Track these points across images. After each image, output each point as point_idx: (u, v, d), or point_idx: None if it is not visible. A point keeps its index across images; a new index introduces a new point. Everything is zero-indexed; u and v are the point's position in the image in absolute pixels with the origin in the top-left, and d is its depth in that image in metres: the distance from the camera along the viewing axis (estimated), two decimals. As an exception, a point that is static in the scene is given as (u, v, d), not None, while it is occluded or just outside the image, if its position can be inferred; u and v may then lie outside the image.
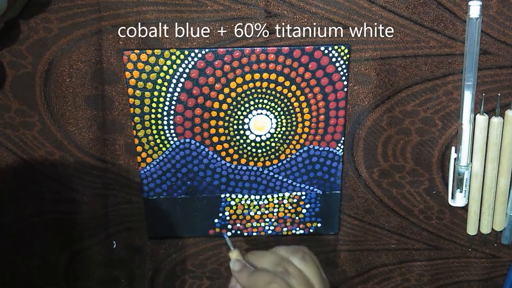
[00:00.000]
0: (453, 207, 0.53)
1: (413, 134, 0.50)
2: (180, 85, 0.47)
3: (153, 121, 0.48)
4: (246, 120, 0.49)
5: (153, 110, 0.48)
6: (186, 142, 0.49)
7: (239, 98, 0.48)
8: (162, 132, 0.49)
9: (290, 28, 0.46)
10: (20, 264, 0.55)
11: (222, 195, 0.52)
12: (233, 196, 0.52)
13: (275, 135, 0.50)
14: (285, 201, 0.52)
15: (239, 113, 0.49)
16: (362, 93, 0.49)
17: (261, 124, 0.49)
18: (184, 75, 0.47)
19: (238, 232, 0.54)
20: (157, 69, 0.47)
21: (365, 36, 0.47)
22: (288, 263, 0.43)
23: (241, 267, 0.43)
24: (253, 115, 0.49)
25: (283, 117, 0.49)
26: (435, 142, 0.51)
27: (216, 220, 0.53)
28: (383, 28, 0.46)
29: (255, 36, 0.47)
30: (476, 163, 0.49)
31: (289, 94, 0.48)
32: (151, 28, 0.46)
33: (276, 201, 0.52)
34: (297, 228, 0.54)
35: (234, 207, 0.53)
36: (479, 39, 0.46)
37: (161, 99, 0.48)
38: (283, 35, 0.47)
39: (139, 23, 0.46)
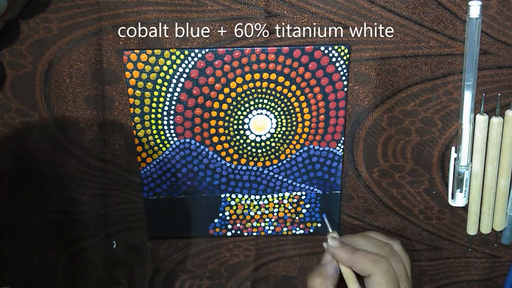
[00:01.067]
0: (453, 207, 0.53)
1: (413, 134, 0.50)
2: (180, 85, 0.47)
3: (153, 121, 0.48)
4: (246, 120, 0.49)
5: (153, 110, 0.48)
6: (186, 142, 0.49)
7: (239, 98, 0.48)
8: (162, 132, 0.49)
9: (290, 28, 0.46)
10: (20, 264, 0.55)
11: (222, 195, 0.52)
12: (233, 196, 0.52)
13: (275, 135, 0.50)
14: (285, 201, 0.52)
15: (239, 113, 0.49)
16: (362, 93, 0.49)
17: (261, 124, 0.49)
18: (184, 75, 0.47)
19: (238, 232, 0.54)
20: (157, 69, 0.47)
21: (365, 36, 0.47)
22: (391, 248, 0.43)
23: (340, 244, 0.43)
24: (253, 115, 0.49)
25: (283, 117, 0.49)
26: (435, 142, 0.51)
27: (216, 220, 0.53)
28: (383, 28, 0.46)
29: (255, 36, 0.47)
30: (476, 163, 0.49)
31: (289, 94, 0.48)
32: (151, 28, 0.46)
33: (276, 201, 0.52)
34: (297, 228, 0.54)
35: (234, 207, 0.53)
36: (479, 39, 0.46)
37: (161, 99, 0.48)
38: (283, 35, 0.47)
39: (139, 23, 0.46)
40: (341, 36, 0.47)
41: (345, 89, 0.48)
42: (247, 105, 0.48)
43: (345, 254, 0.42)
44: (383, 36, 0.47)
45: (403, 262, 0.43)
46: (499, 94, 0.48)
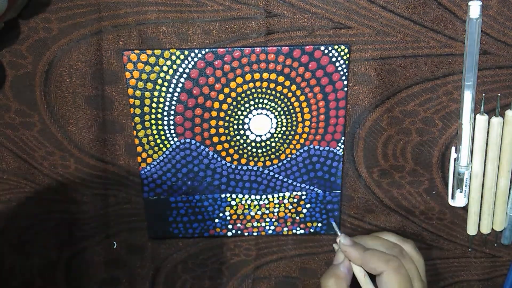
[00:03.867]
0: (453, 207, 0.53)
1: (413, 134, 0.50)
2: (180, 85, 0.47)
3: (153, 121, 0.48)
4: (246, 120, 0.49)
5: (153, 110, 0.48)
6: (186, 142, 0.49)
7: (239, 98, 0.48)
8: (162, 132, 0.49)
9: (290, 28, 0.46)
10: (20, 264, 0.55)
11: (223, 195, 0.52)
12: (234, 196, 0.52)
13: (275, 135, 0.50)
14: (285, 201, 0.52)
15: (239, 113, 0.49)
16: (362, 93, 0.49)
17: (261, 124, 0.49)
18: (184, 75, 0.47)
19: (239, 232, 0.54)
20: (157, 69, 0.47)
21: (365, 36, 0.47)
22: (401, 249, 0.43)
23: (352, 243, 0.43)
24: (253, 115, 0.49)
25: (283, 117, 0.49)
26: (435, 142, 0.51)
27: (216, 220, 0.53)
28: (383, 28, 0.46)
29: (255, 36, 0.47)
30: (476, 163, 0.49)
31: (289, 94, 0.48)
32: (151, 28, 0.46)
33: (276, 201, 0.52)
34: (298, 228, 0.54)
35: (235, 207, 0.53)
36: (479, 39, 0.46)
37: (161, 99, 0.48)
38: (283, 35, 0.47)
39: (139, 23, 0.46)
40: (341, 36, 0.47)
41: (345, 89, 0.48)
42: (247, 105, 0.48)
43: (357, 252, 0.43)
44: (383, 36, 0.47)
45: (415, 263, 0.43)
46: (499, 94, 0.48)
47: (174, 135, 0.49)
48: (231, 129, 0.49)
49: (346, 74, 0.47)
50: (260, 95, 0.48)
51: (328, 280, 0.43)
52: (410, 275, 0.42)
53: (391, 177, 0.52)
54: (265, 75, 0.47)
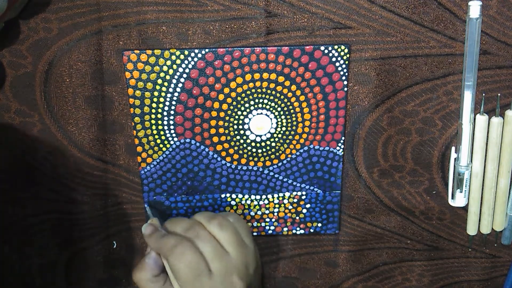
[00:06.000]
0: (453, 207, 0.53)
1: (413, 134, 0.50)
2: (180, 85, 0.47)
3: (153, 121, 0.48)
4: (246, 120, 0.49)
5: (153, 110, 0.48)
6: (186, 142, 0.49)
7: (239, 98, 0.48)
8: (162, 132, 0.49)
9: (290, 28, 0.46)
10: (20, 264, 0.55)
11: (223, 195, 0.52)
12: (234, 196, 0.52)
13: (275, 135, 0.50)
14: (285, 201, 0.52)
15: (239, 113, 0.49)
16: (362, 93, 0.49)
17: (261, 124, 0.49)
18: (184, 75, 0.47)
19: (238, 232, 0.54)
20: (157, 69, 0.47)
21: (365, 36, 0.47)
22: (201, 227, 0.42)
23: (152, 231, 0.43)
24: (253, 115, 0.49)
25: (283, 117, 0.49)
26: (435, 142, 0.51)
27: (216, 220, 0.53)
28: (383, 28, 0.46)
29: (255, 36, 0.47)
30: (476, 163, 0.49)
31: (289, 94, 0.48)
32: (151, 28, 0.46)
33: (276, 201, 0.52)
34: (298, 228, 0.54)
35: (235, 207, 0.53)
36: (479, 39, 0.46)
37: (161, 99, 0.48)
38: (283, 35, 0.47)
39: (139, 23, 0.46)
40: (341, 36, 0.47)
41: (345, 89, 0.48)
42: (247, 105, 0.48)
43: (153, 240, 0.42)
44: (383, 36, 0.47)
45: (217, 239, 0.41)
46: (499, 94, 0.48)
47: (174, 135, 0.49)
48: (231, 129, 0.49)
49: (346, 74, 0.47)
50: (260, 95, 0.48)
51: (134, 275, 0.42)
52: (209, 255, 0.40)
53: (391, 177, 0.52)
54: (265, 75, 0.47)
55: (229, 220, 0.44)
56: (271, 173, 0.51)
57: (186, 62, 0.46)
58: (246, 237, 0.44)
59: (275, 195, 0.52)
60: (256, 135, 0.49)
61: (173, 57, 0.46)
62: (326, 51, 0.46)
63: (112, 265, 0.56)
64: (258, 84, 0.47)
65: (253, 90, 0.48)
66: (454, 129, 0.50)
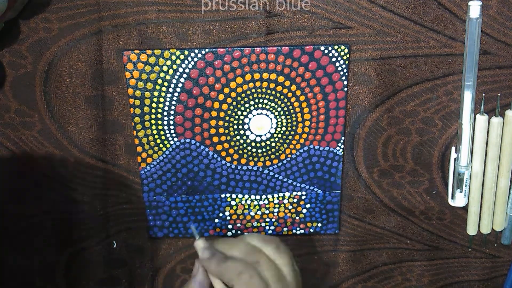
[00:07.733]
0: (453, 207, 0.53)
1: (413, 134, 0.50)
2: (180, 85, 0.47)
3: (153, 121, 0.48)
4: (246, 120, 0.49)
5: (153, 110, 0.48)
6: (186, 142, 0.49)
7: (239, 98, 0.48)
8: (162, 132, 0.49)
9: (290, 28, 0.46)
10: (20, 264, 0.55)
11: (223, 195, 0.52)
12: (234, 196, 0.52)
13: (275, 135, 0.50)
14: (285, 201, 0.52)
15: (239, 113, 0.49)
16: (362, 93, 0.49)
17: (261, 124, 0.49)
18: (184, 75, 0.47)
19: (239, 232, 0.54)
20: (157, 69, 0.47)
21: (365, 36, 0.47)
22: (260, 252, 0.42)
23: (211, 255, 0.43)
24: (253, 115, 0.49)
25: (283, 117, 0.49)
26: (435, 142, 0.51)
27: (216, 220, 0.53)
28: (383, 28, 0.46)
29: (255, 36, 0.47)
30: (476, 163, 0.49)
31: (289, 94, 0.48)
32: (151, 28, 0.46)
33: (276, 201, 0.52)
34: (298, 228, 0.54)
35: (235, 207, 0.53)
36: (479, 39, 0.46)
37: (161, 99, 0.48)
38: (283, 35, 0.47)
39: (139, 23, 0.46)
40: (341, 36, 0.47)
41: (345, 89, 0.48)
42: (247, 105, 0.48)
43: (214, 265, 0.42)
44: (383, 36, 0.47)
45: (276, 263, 0.42)
46: (499, 94, 0.48)
47: (174, 135, 0.49)
48: (231, 129, 0.49)
49: (346, 74, 0.47)
50: (260, 95, 0.48)
51: None
52: (268, 278, 0.41)
53: (391, 177, 0.52)
54: (265, 75, 0.47)
55: (283, 244, 0.44)
56: (271, 173, 0.51)
57: (186, 62, 0.46)
58: (294, 261, 0.45)
59: (275, 195, 0.52)
60: (256, 135, 0.49)
61: (173, 57, 0.46)
62: (326, 51, 0.46)
63: (112, 265, 0.56)
64: (258, 84, 0.47)
65: (253, 90, 0.48)
66: (454, 129, 0.50)
